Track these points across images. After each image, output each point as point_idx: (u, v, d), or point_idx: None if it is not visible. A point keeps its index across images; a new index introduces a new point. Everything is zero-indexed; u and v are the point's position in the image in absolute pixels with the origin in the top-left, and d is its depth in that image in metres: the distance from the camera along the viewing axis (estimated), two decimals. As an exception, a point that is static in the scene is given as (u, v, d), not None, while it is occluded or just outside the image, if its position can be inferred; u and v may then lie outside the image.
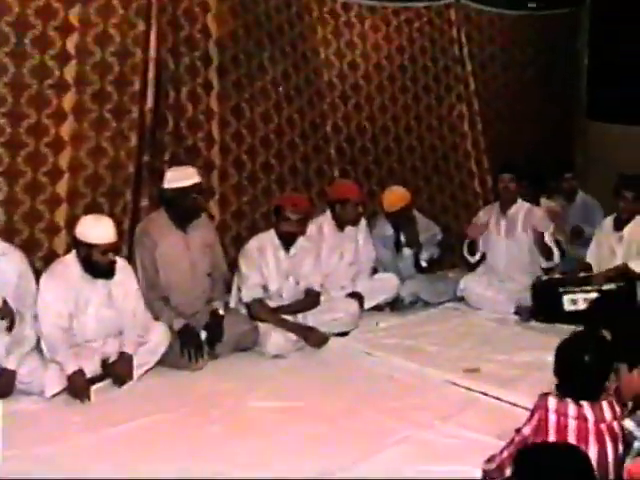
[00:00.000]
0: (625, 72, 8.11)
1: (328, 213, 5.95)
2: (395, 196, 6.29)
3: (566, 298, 5.84)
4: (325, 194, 6.37)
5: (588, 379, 2.94)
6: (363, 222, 6.13)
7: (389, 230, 6.35)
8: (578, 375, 2.94)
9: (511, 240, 6.29)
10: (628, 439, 2.83)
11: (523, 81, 8.24)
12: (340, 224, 5.94)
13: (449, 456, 3.71)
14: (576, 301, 5.78)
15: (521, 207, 6.32)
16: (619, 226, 5.98)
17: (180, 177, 4.93)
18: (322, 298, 5.56)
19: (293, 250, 5.41)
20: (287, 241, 5.37)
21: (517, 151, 7.74)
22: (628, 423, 2.90)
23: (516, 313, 6.10)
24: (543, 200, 6.93)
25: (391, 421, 4.11)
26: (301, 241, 5.44)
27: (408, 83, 7.32)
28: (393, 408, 4.28)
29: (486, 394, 4.50)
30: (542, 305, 5.93)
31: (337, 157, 6.83)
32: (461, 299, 6.40)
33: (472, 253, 6.42)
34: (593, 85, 8.77)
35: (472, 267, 6.55)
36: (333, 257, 5.94)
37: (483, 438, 3.81)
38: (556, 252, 6.17)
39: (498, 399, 4.40)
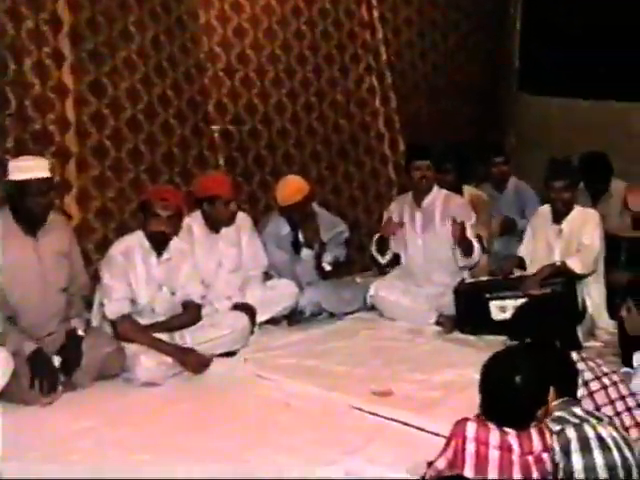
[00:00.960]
0: (564, 38, 8.30)
1: (198, 212, 5.89)
2: (291, 188, 6.27)
3: (493, 305, 5.95)
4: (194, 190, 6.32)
5: (517, 403, 2.98)
6: (247, 220, 6.09)
7: (285, 228, 6.33)
8: (506, 398, 2.97)
9: (428, 236, 6.39)
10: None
11: (445, 49, 8.35)
12: (212, 225, 5.88)
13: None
14: (505, 308, 5.88)
15: (438, 196, 6.42)
16: (558, 218, 6.11)
17: (22, 169, 4.77)
18: (204, 312, 5.50)
19: (166, 254, 5.33)
20: (158, 243, 5.28)
21: (438, 131, 7.84)
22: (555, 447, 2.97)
23: (437, 323, 6.19)
24: (467, 188, 7.04)
25: (287, 459, 4.07)
26: (175, 243, 5.36)
27: (306, 52, 7.32)
28: (290, 444, 4.25)
29: (399, 421, 4.51)
30: (466, 314, 6.03)
31: (222, 142, 6.77)
32: (372, 308, 6.45)
33: (382, 252, 6.46)
34: (527, 53, 8.93)
35: (383, 269, 6.60)
36: (210, 263, 5.89)
37: (393, 475, 3.81)
38: (477, 248, 6.27)
39: (413, 427, 4.42)
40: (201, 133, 6.68)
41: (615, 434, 3.06)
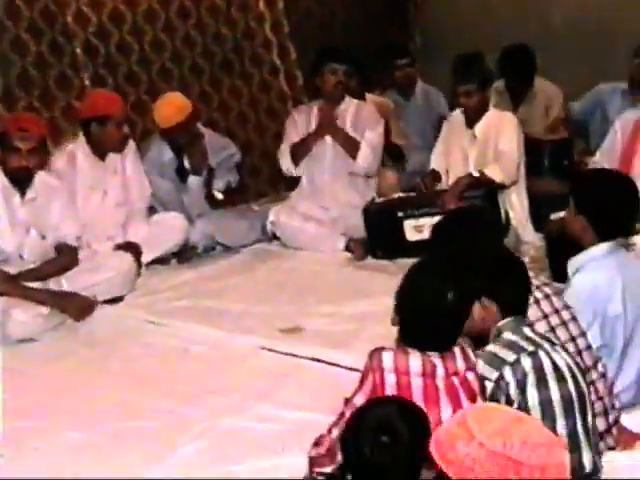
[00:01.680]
0: None
1: (81, 138, 5.81)
2: (171, 107, 6.22)
3: (408, 225, 6.04)
4: (74, 111, 6.21)
5: (446, 323, 3.05)
6: (131, 145, 6.03)
7: (167, 154, 6.31)
8: (433, 317, 3.02)
9: (339, 148, 6.47)
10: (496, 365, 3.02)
11: None
12: (99, 151, 5.81)
13: (266, 447, 3.77)
14: (421, 228, 5.97)
15: (350, 104, 6.49)
16: (470, 123, 6.23)
17: None
18: (81, 254, 5.45)
19: (31, 193, 5.24)
20: (20, 181, 5.19)
21: (332, 35, 7.83)
22: (493, 347, 3.08)
23: (346, 249, 6.27)
24: (370, 96, 7.08)
25: (191, 409, 4.13)
26: (42, 179, 5.27)
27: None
28: (190, 392, 4.30)
29: (312, 359, 4.60)
30: (379, 236, 6.11)
31: (85, 58, 6.64)
32: (273, 238, 6.52)
33: (297, 160, 6.48)
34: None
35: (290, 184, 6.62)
36: (93, 197, 5.83)
37: (311, 417, 3.88)
38: (363, 151, 6.37)
39: (328, 364, 4.52)
40: (61, 49, 6.53)
41: (569, 360, 3.14)
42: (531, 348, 3.10)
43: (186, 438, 3.89)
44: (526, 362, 3.06)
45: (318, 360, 4.59)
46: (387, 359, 2.99)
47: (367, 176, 6.57)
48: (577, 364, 3.21)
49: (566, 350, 3.24)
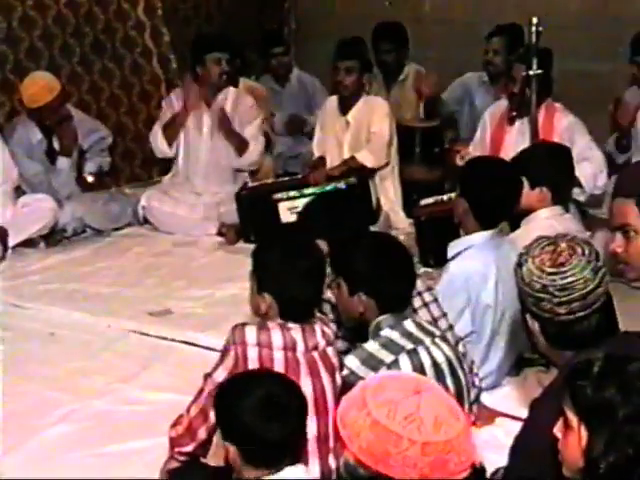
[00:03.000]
0: None
1: None
2: (38, 85, 6.11)
3: (283, 206, 6.07)
4: None
5: (304, 287, 3.07)
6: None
7: (36, 135, 6.20)
8: (292, 280, 3.05)
9: (217, 138, 6.45)
10: (349, 381, 3.01)
11: None
12: None
13: (131, 429, 3.80)
14: (295, 209, 5.98)
15: (227, 93, 6.48)
16: (344, 109, 6.29)
17: None
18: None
19: None
20: None
21: (208, 17, 7.81)
22: (351, 361, 3.09)
23: (219, 234, 6.29)
24: (243, 80, 7.08)
25: (54, 392, 4.11)
26: None
27: None
28: (55, 375, 4.29)
29: (180, 341, 4.64)
30: (252, 219, 6.13)
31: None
32: (145, 222, 6.49)
33: (169, 139, 6.45)
34: None
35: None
36: (-49, 180, 5.70)
37: (177, 399, 3.87)
38: (253, 150, 6.43)
39: (196, 345, 4.55)
40: None
41: (450, 354, 3.19)
42: (410, 346, 3.10)
43: (51, 421, 3.89)
44: (404, 363, 3.06)
45: (186, 342, 4.61)
46: (250, 333, 3.02)
47: (250, 170, 6.60)
48: (457, 355, 3.26)
49: (446, 340, 3.28)
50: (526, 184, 4.24)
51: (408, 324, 3.18)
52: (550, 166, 4.40)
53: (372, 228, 5.47)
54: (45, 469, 3.55)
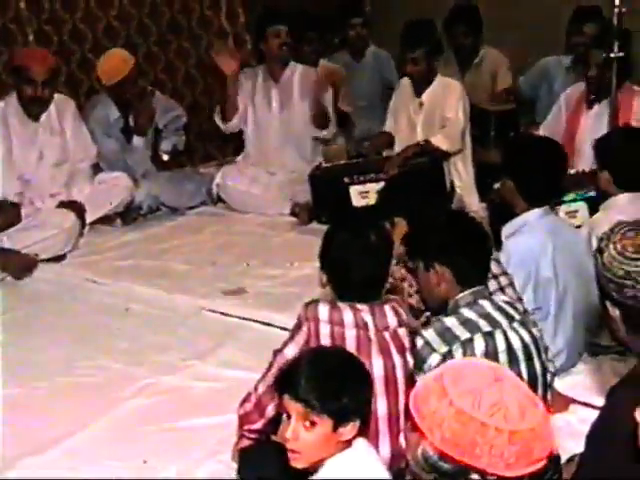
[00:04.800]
0: None
1: (13, 97, 5.72)
2: (113, 61, 6.20)
3: (354, 190, 6.06)
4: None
5: (370, 270, 3.08)
6: (70, 104, 5.96)
7: (114, 113, 6.28)
8: (357, 266, 3.06)
9: (286, 114, 6.47)
10: (422, 353, 3.00)
11: None
12: (29, 109, 5.73)
13: (206, 404, 3.84)
14: (367, 193, 6.01)
15: (294, 69, 6.49)
16: (418, 91, 6.26)
17: None
18: (24, 211, 5.45)
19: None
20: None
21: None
22: (427, 332, 3.07)
23: (292, 214, 6.31)
24: (322, 62, 7.07)
25: (130, 367, 4.18)
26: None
27: None
28: (130, 350, 4.36)
29: (254, 320, 4.66)
30: (324, 201, 6.14)
31: (30, 13, 6.56)
32: (218, 201, 6.53)
33: (225, 116, 6.46)
34: None
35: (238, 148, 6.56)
36: (29, 155, 5.76)
37: (251, 376, 3.91)
38: (333, 120, 6.44)
39: (270, 325, 4.57)
40: (4, 4, 6.45)
41: (527, 338, 3.14)
42: (487, 328, 3.06)
43: (127, 395, 3.94)
44: (479, 344, 3.02)
45: (260, 322, 4.64)
46: (323, 310, 3.02)
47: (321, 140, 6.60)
48: (534, 340, 3.19)
49: (524, 324, 3.20)
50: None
51: (486, 304, 3.14)
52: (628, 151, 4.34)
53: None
54: (120, 442, 3.60)
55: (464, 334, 3.04)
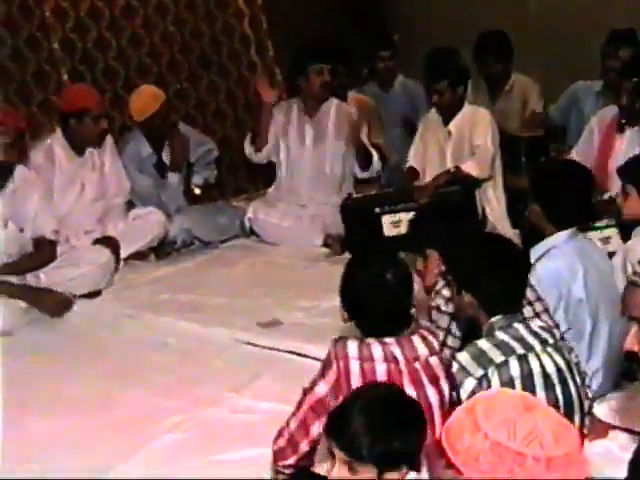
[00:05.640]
0: None
1: (59, 132, 5.82)
2: (144, 96, 6.28)
3: (386, 220, 6.07)
4: (52, 106, 6.22)
5: (390, 306, 3.09)
6: (109, 140, 6.04)
7: (146, 149, 6.34)
8: (379, 302, 3.07)
9: (320, 149, 6.51)
10: (458, 377, 3.00)
11: None
12: (77, 146, 5.82)
13: (243, 437, 3.84)
14: (399, 223, 6.01)
15: (330, 105, 6.52)
16: (446, 119, 6.27)
17: None
18: (59, 249, 5.49)
19: (10, 185, 5.25)
20: (-3, 174, 5.21)
21: (311, 32, 7.86)
22: (462, 356, 3.08)
23: (324, 245, 6.33)
24: (351, 94, 7.11)
25: (166, 400, 4.19)
26: (20, 172, 5.28)
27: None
28: (168, 383, 4.38)
29: (290, 352, 4.67)
30: (356, 232, 6.15)
31: (63, 53, 6.66)
32: (251, 233, 6.56)
33: (257, 147, 6.51)
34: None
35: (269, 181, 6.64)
36: (71, 192, 5.85)
37: (287, 408, 3.91)
38: (376, 157, 6.46)
39: (305, 356, 4.57)
40: (38, 43, 6.55)
41: (561, 363, 3.14)
42: (521, 351, 3.08)
43: (163, 429, 3.96)
44: (514, 366, 3.05)
45: (295, 353, 4.64)
46: (352, 347, 3.04)
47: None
48: (569, 365, 3.20)
49: (559, 349, 3.23)
50: (635, 193, 4.20)
51: (520, 328, 3.17)
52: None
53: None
54: (158, 476, 3.61)
55: (499, 357, 3.07)
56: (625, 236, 4.71)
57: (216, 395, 4.24)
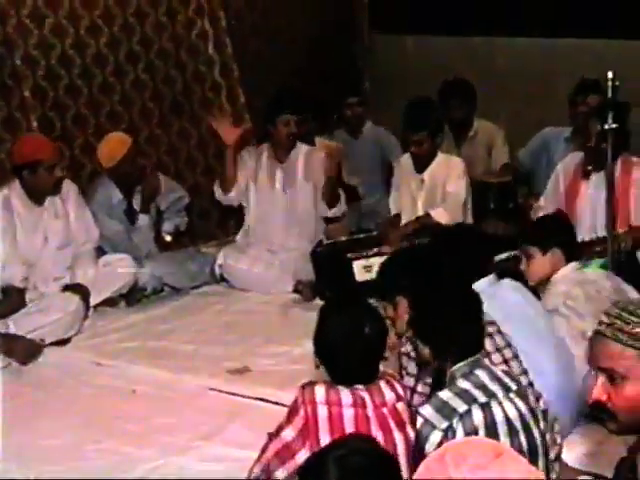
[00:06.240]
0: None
1: (16, 182, 5.79)
2: (111, 144, 6.28)
3: (357, 265, 6.10)
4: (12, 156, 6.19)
5: (366, 355, 3.11)
6: (72, 188, 6.02)
7: (116, 194, 6.33)
8: (354, 352, 3.09)
9: (290, 194, 6.53)
10: (423, 431, 3.01)
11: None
12: (35, 196, 5.80)
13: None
14: (370, 268, 6.04)
15: (299, 150, 6.57)
16: (420, 168, 6.33)
17: None
18: (28, 296, 5.49)
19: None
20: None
21: (282, 78, 7.91)
22: (426, 409, 3.09)
23: (295, 291, 6.33)
24: (319, 140, 7.16)
25: (137, 449, 4.18)
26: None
27: (127, -6, 7.26)
28: (137, 432, 4.36)
29: (260, 399, 4.68)
30: (328, 277, 6.16)
31: (34, 100, 6.66)
32: (221, 280, 6.55)
33: (224, 188, 6.54)
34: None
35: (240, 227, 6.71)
36: (34, 241, 5.82)
37: (256, 456, 3.92)
38: (342, 198, 6.50)
39: (275, 403, 4.56)
40: (9, 91, 6.55)
41: (523, 409, 3.16)
42: (483, 399, 3.10)
43: (135, 476, 3.95)
44: (477, 415, 3.06)
45: (264, 400, 4.65)
46: (319, 392, 3.06)
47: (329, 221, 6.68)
48: (532, 411, 3.22)
49: (522, 395, 3.25)
50: (539, 254, 4.50)
51: (482, 375, 3.18)
52: None
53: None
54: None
55: (462, 406, 3.08)
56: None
57: (186, 444, 4.23)
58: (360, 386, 3.09)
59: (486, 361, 3.33)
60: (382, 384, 3.12)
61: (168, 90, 7.48)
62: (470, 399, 3.09)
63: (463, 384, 3.14)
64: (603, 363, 2.34)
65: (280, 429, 3.13)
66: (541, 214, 5.65)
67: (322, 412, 3.03)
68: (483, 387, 3.14)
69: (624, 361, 2.29)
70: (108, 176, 6.31)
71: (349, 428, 2.97)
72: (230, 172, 6.49)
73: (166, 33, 7.48)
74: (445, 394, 3.13)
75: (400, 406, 3.14)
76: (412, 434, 3.10)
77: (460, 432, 3.04)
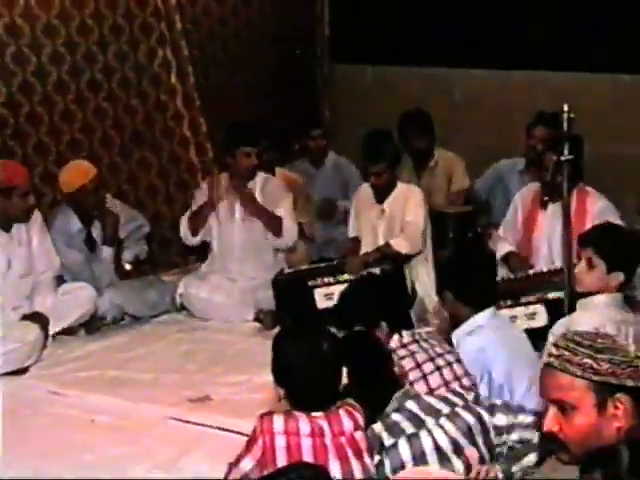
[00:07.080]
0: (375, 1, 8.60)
1: None
2: (73, 171, 6.26)
3: (318, 293, 6.13)
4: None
5: (325, 376, 3.11)
6: (37, 216, 5.97)
7: (75, 223, 6.28)
8: (311, 373, 3.10)
9: (248, 223, 6.52)
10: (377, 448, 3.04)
11: (246, 16, 8.45)
12: (3, 222, 5.75)
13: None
14: (331, 295, 6.04)
15: (257, 180, 6.57)
16: (380, 198, 6.36)
17: None
18: (-14, 325, 5.41)
19: None
20: None
21: (243, 108, 7.94)
22: (378, 427, 3.11)
23: (256, 320, 6.33)
24: (279, 171, 7.19)
25: (93, 480, 4.12)
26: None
27: (89, 22, 7.24)
28: (96, 462, 4.31)
29: (220, 428, 4.64)
30: (289, 305, 6.17)
31: (-6, 129, 6.64)
32: (182, 309, 6.54)
33: (194, 230, 6.52)
34: (337, 19, 9.12)
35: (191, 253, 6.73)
36: (-2, 267, 5.78)
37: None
38: (289, 227, 6.48)
39: (236, 432, 4.51)
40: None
41: (455, 432, 3.19)
42: (411, 430, 3.16)
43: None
44: (404, 448, 3.13)
45: (225, 429, 4.61)
46: (278, 422, 3.07)
47: (283, 250, 6.66)
48: (464, 433, 3.25)
49: (452, 418, 3.28)
50: (603, 266, 4.20)
51: (412, 405, 3.26)
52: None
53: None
54: None
55: (389, 440, 3.17)
56: (552, 311, 4.80)
57: (145, 473, 4.19)
58: (319, 414, 3.09)
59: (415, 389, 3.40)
60: (342, 412, 3.12)
61: (129, 119, 7.47)
62: (397, 432, 3.18)
63: (393, 417, 3.23)
64: (553, 394, 2.35)
65: (239, 459, 3.14)
66: (500, 244, 5.74)
67: (280, 442, 3.03)
68: (413, 417, 3.22)
69: (573, 392, 2.31)
70: (67, 203, 6.28)
71: (307, 458, 2.97)
72: (203, 221, 6.51)
73: (128, 62, 7.48)
74: (377, 427, 3.24)
75: (359, 435, 3.15)
76: (369, 462, 3.10)
77: (387, 465, 3.13)
